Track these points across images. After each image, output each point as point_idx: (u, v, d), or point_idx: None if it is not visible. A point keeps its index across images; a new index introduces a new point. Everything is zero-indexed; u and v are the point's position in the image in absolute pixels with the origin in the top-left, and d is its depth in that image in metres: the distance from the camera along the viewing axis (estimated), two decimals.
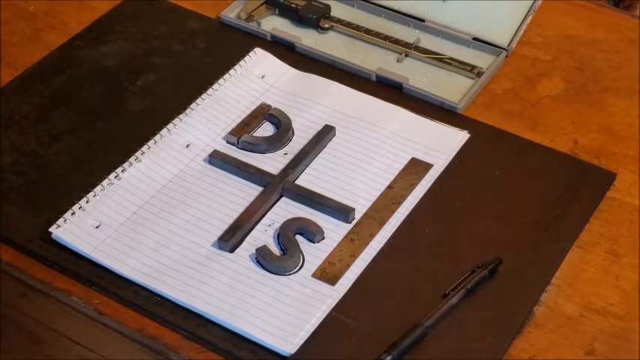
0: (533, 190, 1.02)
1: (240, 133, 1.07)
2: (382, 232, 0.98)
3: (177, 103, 1.10)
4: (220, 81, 1.12)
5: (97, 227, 0.98)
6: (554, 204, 1.01)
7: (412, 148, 1.06)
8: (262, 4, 1.23)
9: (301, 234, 0.98)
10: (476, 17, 1.19)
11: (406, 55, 1.17)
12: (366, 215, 0.99)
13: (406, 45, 1.18)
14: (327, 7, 1.22)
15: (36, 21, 1.23)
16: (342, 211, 0.99)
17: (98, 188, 1.01)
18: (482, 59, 1.17)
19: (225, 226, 0.98)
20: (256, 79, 1.13)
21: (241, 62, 1.14)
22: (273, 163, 1.05)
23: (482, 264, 0.94)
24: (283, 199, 1.01)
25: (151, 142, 1.05)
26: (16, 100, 1.12)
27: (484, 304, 0.92)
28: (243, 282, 0.93)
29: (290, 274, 0.94)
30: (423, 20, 1.20)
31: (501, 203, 1.01)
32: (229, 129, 1.08)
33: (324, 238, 0.97)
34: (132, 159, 1.03)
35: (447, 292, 0.92)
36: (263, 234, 0.98)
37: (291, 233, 0.97)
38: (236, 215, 0.99)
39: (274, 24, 1.22)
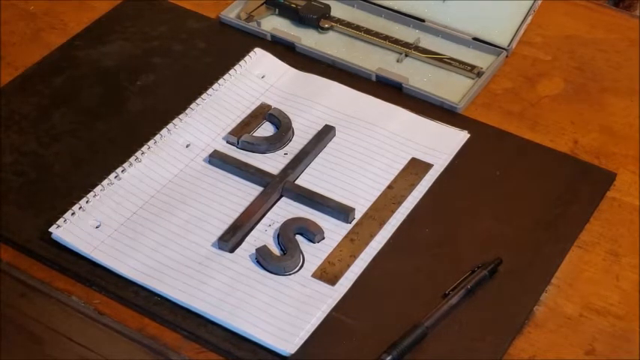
0: (533, 190, 1.02)
1: (240, 133, 1.07)
2: (382, 232, 0.98)
3: (177, 103, 1.10)
4: (220, 81, 1.12)
5: (97, 227, 0.98)
6: (554, 204, 1.01)
7: (412, 148, 1.06)
8: (262, 4, 1.23)
9: (301, 234, 0.98)
10: (476, 17, 1.19)
11: (406, 55, 1.17)
12: (366, 215, 0.99)
13: (406, 45, 1.18)
14: (327, 7, 1.22)
15: (36, 21, 1.23)
16: (342, 211, 0.99)
17: (98, 188, 1.01)
18: (482, 59, 1.17)
19: (225, 226, 0.98)
20: (256, 79, 1.13)
21: (241, 62, 1.14)
22: (273, 163, 1.05)
23: (482, 264, 0.94)
24: (283, 199, 1.01)
25: (151, 142, 1.05)
26: (16, 100, 1.12)
27: (484, 304, 0.92)
28: (243, 282, 0.93)
29: (290, 274, 0.94)
30: (423, 20, 1.20)
31: (501, 203, 1.01)
32: (229, 129, 1.08)
33: (324, 238, 0.97)
34: (132, 159, 1.03)
35: (447, 292, 0.92)
36: (263, 234, 0.98)
37: (291, 233, 0.97)
38: (236, 215, 0.99)
39: (274, 24, 1.22)
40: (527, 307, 0.92)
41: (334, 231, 0.98)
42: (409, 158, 1.05)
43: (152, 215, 0.99)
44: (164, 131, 1.06)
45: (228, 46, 1.19)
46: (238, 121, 1.09)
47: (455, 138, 1.07)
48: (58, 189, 1.02)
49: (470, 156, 1.06)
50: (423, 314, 0.91)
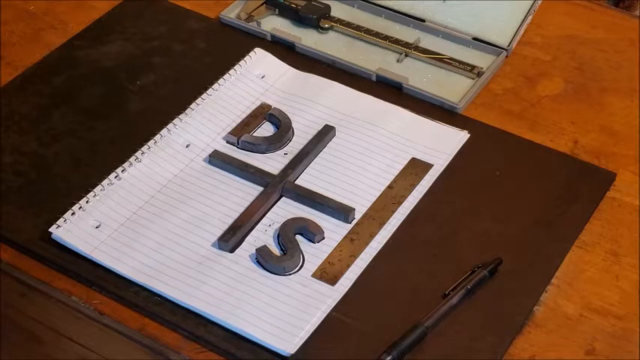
0: (533, 190, 1.02)
1: (240, 133, 1.07)
2: (382, 232, 0.98)
3: (177, 103, 1.10)
4: (220, 81, 1.12)
5: (97, 227, 0.98)
6: (554, 204, 1.01)
7: (412, 148, 1.06)
8: (262, 4, 1.23)
9: (301, 234, 0.98)
10: (476, 17, 1.19)
11: (406, 55, 1.17)
12: (366, 215, 0.99)
13: (406, 45, 1.18)
14: (327, 7, 1.22)
15: (36, 21, 1.23)
16: (342, 211, 0.99)
17: (98, 188, 1.01)
18: (482, 59, 1.17)
19: (225, 226, 0.98)
20: (256, 79, 1.13)
21: (241, 62, 1.14)
22: (273, 163, 1.05)
23: (482, 264, 0.94)
24: (283, 199, 1.01)
25: (151, 142, 1.05)
26: (16, 100, 1.12)
27: (484, 304, 0.92)
28: (243, 282, 0.93)
29: (290, 274, 0.94)
30: (423, 20, 1.20)
31: (501, 203, 1.01)
32: (229, 129, 1.08)
33: (324, 238, 0.97)
34: (132, 159, 1.03)
35: (447, 292, 0.92)
36: (263, 234, 0.98)
37: (291, 233, 0.97)
38: (236, 215, 0.99)
39: (274, 24, 1.22)
40: (527, 307, 0.92)
41: (334, 231, 0.98)
42: (409, 158, 1.05)
43: (152, 215, 0.99)
44: (164, 131, 1.06)
45: (228, 46, 1.19)
46: (238, 121, 1.09)
47: (455, 138, 1.07)
48: (58, 189, 1.02)
49: (470, 156, 1.06)
50: (423, 314, 0.91)
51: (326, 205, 1.00)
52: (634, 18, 1.24)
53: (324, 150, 1.06)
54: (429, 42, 1.19)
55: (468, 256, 0.96)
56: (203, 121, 1.08)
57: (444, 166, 1.04)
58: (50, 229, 0.97)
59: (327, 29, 1.21)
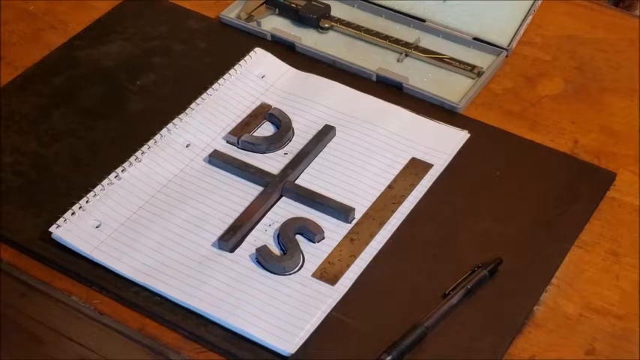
0: (533, 190, 1.02)
1: (240, 133, 1.07)
2: (382, 232, 0.98)
3: (177, 103, 1.10)
4: (220, 81, 1.12)
5: (97, 227, 0.98)
6: (554, 204, 1.01)
7: (412, 148, 1.06)
8: (262, 4, 1.23)
9: (301, 234, 0.98)
10: (476, 17, 1.19)
11: (406, 55, 1.17)
12: (366, 215, 0.99)
13: (406, 45, 1.18)
14: (327, 7, 1.22)
15: (36, 21, 1.23)
16: (342, 211, 0.99)
17: (98, 188, 1.01)
18: (482, 59, 1.17)
19: (225, 226, 0.98)
20: (256, 79, 1.13)
21: (241, 62, 1.14)
22: (273, 163, 1.05)
23: (482, 264, 0.94)
24: (283, 199, 1.01)
25: (151, 142, 1.05)
26: (16, 100, 1.12)
27: (484, 304, 0.92)
28: (243, 282, 0.93)
29: (290, 274, 0.94)
30: (423, 20, 1.20)
31: (501, 203, 1.01)
32: (229, 129, 1.08)
33: (324, 238, 0.97)
34: (132, 159, 1.03)
35: (447, 292, 0.92)
36: (263, 234, 0.98)
37: (291, 233, 0.97)
38: (236, 215, 0.99)
39: (274, 24, 1.22)
40: (527, 307, 0.92)
41: (334, 231, 0.98)
42: (409, 158, 1.05)
43: (152, 215, 0.99)
44: (164, 131, 1.06)
45: (228, 46, 1.19)
46: (238, 120, 1.09)
47: (455, 138, 1.07)
48: (58, 189, 1.02)
49: (470, 156, 1.06)
50: (423, 314, 0.91)
51: (326, 205, 1.00)
52: (634, 18, 1.24)
53: (324, 150, 1.06)
54: (429, 42, 1.19)
55: (468, 256, 0.96)
56: (203, 121, 1.08)
57: (444, 166, 1.04)
58: (50, 229, 0.97)
59: (327, 29, 1.21)
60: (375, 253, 0.96)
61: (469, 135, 1.07)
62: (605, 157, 1.06)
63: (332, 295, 0.93)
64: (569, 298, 0.94)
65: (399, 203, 1.00)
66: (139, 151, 1.04)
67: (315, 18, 1.20)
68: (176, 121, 1.07)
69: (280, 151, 1.06)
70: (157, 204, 1.00)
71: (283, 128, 1.08)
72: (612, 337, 0.91)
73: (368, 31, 1.19)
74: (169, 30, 1.21)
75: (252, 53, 1.15)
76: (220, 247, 0.96)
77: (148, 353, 0.91)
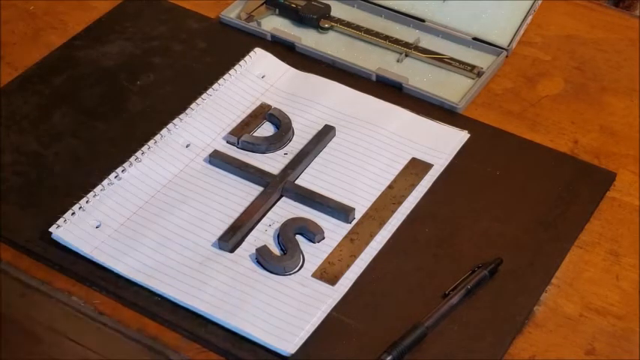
0: (533, 190, 1.02)
1: (240, 133, 1.07)
2: (382, 232, 0.98)
3: (177, 103, 1.10)
4: (220, 81, 1.12)
5: (97, 227, 0.98)
6: (554, 204, 1.01)
7: (412, 148, 1.06)
8: (262, 4, 1.23)
9: (301, 234, 0.98)
10: (476, 17, 1.19)
11: (406, 55, 1.17)
12: (366, 215, 0.99)
13: (406, 45, 1.18)
14: (327, 7, 1.22)
15: (36, 21, 1.23)
16: (342, 211, 0.99)
17: (98, 188, 1.01)
18: (482, 59, 1.17)
19: (225, 226, 0.98)
20: (256, 79, 1.13)
21: (241, 62, 1.14)
22: (273, 163, 1.05)
23: (482, 264, 0.94)
24: (283, 199, 1.01)
25: (151, 142, 1.05)
26: (16, 100, 1.12)
27: (484, 304, 0.92)
28: (243, 282, 0.93)
29: (290, 274, 0.94)
30: (423, 20, 1.20)
31: (501, 203, 1.01)
32: (229, 129, 1.08)
33: (324, 238, 0.97)
34: (132, 159, 1.03)
35: (447, 292, 0.93)
36: (263, 234, 0.98)
37: (291, 233, 0.97)
38: (236, 215, 0.99)
39: (274, 24, 1.22)
40: (527, 307, 0.92)
41: (334, 231, 0.98)
42: (409, 158, 1.05)
43: (152, 215, 0.99)
44: (164, 131, 1.06)
45: (228, 46, 1.19)
46: (238, 121, 1.09)
47: (455, 138, 1.07)
48: (58, 189, 1.02)
49: (470, 156, 1.06)
50: (423, 314, 0.91)
51: (326, 205, 1.00)
52: (634, 18, 1.24)
53: (324, 150, 1.06)
54: (429, 42, 1.19)
55: (468, 256, 0.96)
56: (203, 121, 1.08)
57: (444, 166, 1.04)
58: (50, 229, 0.97)
59: (327, 29, 1.21)
60: (375, 253, 0.96)
61: (469, 135, 1.07)
62: (605, 157, 1.06)
63: (332, 295, 0.93)
64: (569, 298, 0.94)
65: (399, 203, 1.00)
66: (139, 151, 1.04)
67: (315, 18, 1.20)
68: (176, 121, 1.08)
69: (280, 151, 1.06)
70: (157, 204, 1.00)
71: (283, 128, 1.08)
72: (612, 337, 0.91)
73: (368, 31, 1.19)
74: (169, 30, 1.21)
75: (252, 53, 1.15)
76: (220, 247, 0.96)
77: (148, 353, 0.91)
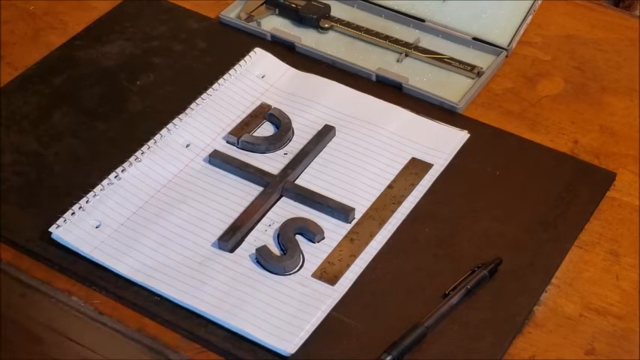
0: (533, 190, 1.02)
1: (240, 133, 1.07)
2: (382, 232, 0.98)
3: (177, 103, 1.10)
4: (220, 81, 1.12)
5: (97, 227, 0.98)
6: (554, 204, 1.01)
7: (412, 148, 1.06)
8: (262, 4, 1.23)
9: (301, 234, 0.98)
10: (476, 17, 1.19)
11: (406, 55, 1.17)
12: (366, 215, 0.99)
13: (406, 45, 1.18)
14: (327, 7, 1.22)
15: (36, 21, 1.23)
16: (342, 211, 0.99)
17: (98, 188, 1.01)
18: (482, 59, 1.17)
19: (225, 226, 0.98)
20: (256, 79, 1.13)
21: (241, 62, 1.14)
22: (273, 163, 1.05)
23: (482, 264, 0.94)
24: (283, 199, 1.01)
25: (151, 142, 1.05)
26: (16, 100, 1.12)
27: (484, 304, 0.92)
28: (243, 282, 0.93)
29: (290, 274, 0.94)
30: (423, 20, 1.20)
31: (501, 203, 1.01)
32: (229, 129, 1.08)
33: (324, 238, 0.97)
34: (132, 159, 1.03)
35: (447, 292, 0.93)
36: (263, 234, 0.98)
37: (291, 233, 0.97)
38: (236, 215, 0.99)
39: (274, 24, 1.22)
40: (527, 307, 0.92)
41: (334, 231, 0.98)
42: (409, 158, 1.05)
43: (152, 215, 0.99)
44: (164, 131, 1.06)
45: (228, 46, 1.19)
46: (238, 121, 1.09)
47: (455, 138, 1.07)
48: (58, 189, 1.02)
49: (470, 156, 1.06)
50: (423, 314, 0.91)
51: (326, 205, 1.00)
52: (634, 18, 1.24)
53: (324, 150, 1.06)
54: (428, 42, 1.19)
55: (468, 256, 0.96)
56: (203, 121, 1.08)
57: (444, 166, 1.04)
58: (50, 229, 0.97)
59: (327, 29, 1.21)
60: (375, 253, 0.96)
61: (469, 135, 1.07)
62: (605, 157, 1.06)
63: (332, 295, 0.93)
64: (569, 298, 0.94)
65: (399, 203, 1.00)
66: (139, 151, 1.04)
67: (315, 18, 1.20)
68: (176, 121, 1.07)
69: (280, 151, 1.06)
70: (157, 204, 1.00)
71: (283, 128, 1.08)
72: (612, 337, 0.91)
73: (368, 31, 1.19)
74: (169, 30, 1.21)
75: (252, 53, 1.15)
76: (220, 247, 0.96)
77: (148, 353, 0.91)
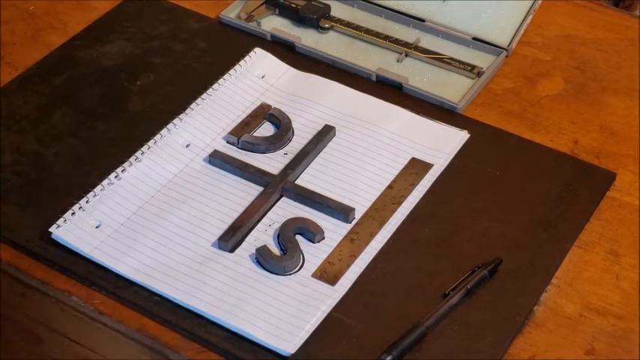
0: (533, 190, 1.02)
1: (240, 133, 1.07)
2: (382, 232, 0.98)
3: (177, 103, 1.10)
4: (220, 81, 1.12)
5: (97, 227, 0.98)
6: (554, 204, 1.01)
7: (412, 148, 1.06)
8: (262, 4, 1.23)
9: (301, 234, 0.98)
10: (476, 17, 1.19)
11: (406, 55, 1.17)
12: (366, 215, 0.99)
13: (406, 45, 1.18)
14: (327, 7, 1.22)
15: (36, 21, 1.23)
16: (342, 211, 0.99)
17: (98, 188, 1.01)
18: (482, 59, 1.17)
19: (225, 226, 0.98)
20: (256, 79, 1.13)
21: (241, 62, 1.14)
22: (273, 163, 1.05)
23: (482, 264, 0.94)
24: (283, 199, 1.01)
25: (151, 142, 1.05)
26: (16, 100, 1.12)
27: (484, 304, 0.92)
28: (243, 282, 0.93)
29: (290, 274, 0.94)
30: (423, 20, 1.20)
31: (501, 203, 1.01)
32: (229, 129, 1.08)
33: (324, 238, 0.97)
34: (132, 159, 1.03)
35: (447, 292, 0.93)
36: (263, 234, 0.98)
37: (291, 233, 0.97)
38: (236, 215, 0.99)
39: (274, 24, 1.22)
40: (527, 307, 0.92)
41: (334, 231, 0.98)
42: (409, 158, 1.05)
43: (152, 215, 0.99)
44: (164, 131, 1.06)
45: (228, 46, 1.19)
46: (238, 121, 1.09)
47: (455, 138, 1.07)
48: (58, 189, 1.02)
49: (470, 156, 1.06)
50: (423, 314, 0.91)
51: (326, 205, 1.00)
52: (634, 18, 1.24)
53: (324, 150, 1.06)
54: (428, 42, 1.19)
55: (468, 256, 0.96)
56: (203, 121, 1.08)
57: (444, 166, 1.04)
58: (50, 229, 0.97)
59: (327, 29, 1.21)
60: (375, 253, 0.96)
61: (469, 135, 1.07)
62: (605, 157, 1.06)
63: (332, 295, 0.93)
64: (569, 298, 0.94)
65: (399, 203, 1.00)
66: (139, 151, 1.04)
67: (315, 18, 1.20)
68: (176, 121, 1.07)
69: (280, 151, 1.06)
70: (157, 204, 1.00)
71: (283, 128, 1.08)
72: (612, 337, 0.91)
73: (368, 31, 1.19)
74: (169, 30, 1.21)
75: (252, 53, 1.15)
76: (220, 247, 0.96)
77: (148, 353, 0.91)
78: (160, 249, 0.96)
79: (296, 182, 1.03)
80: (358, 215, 0.99)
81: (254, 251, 0.96)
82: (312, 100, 1.11)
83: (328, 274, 0.94)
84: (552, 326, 0.91)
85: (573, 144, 1.07)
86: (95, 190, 1.00)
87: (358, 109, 1.10)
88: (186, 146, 1.06)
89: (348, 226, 0.99)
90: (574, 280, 0.95)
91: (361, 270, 0.95)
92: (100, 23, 1.22)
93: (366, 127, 1.08)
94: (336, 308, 0.92)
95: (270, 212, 1.00)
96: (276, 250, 0.96)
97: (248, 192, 1.02)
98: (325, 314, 0.91)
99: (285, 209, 1.00)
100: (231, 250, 0.96)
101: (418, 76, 1.15)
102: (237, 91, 1.12)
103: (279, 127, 1.08)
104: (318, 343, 0.89)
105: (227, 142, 1.07)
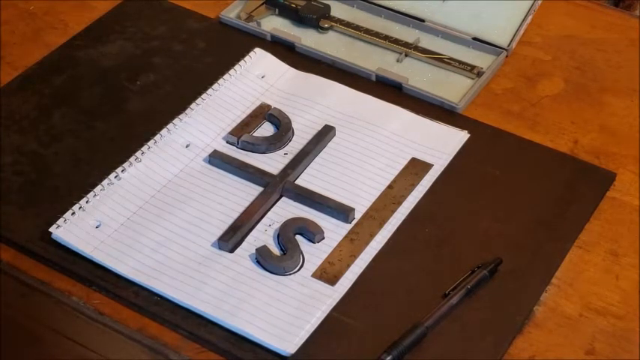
0: (533, 190, 1.02)
1: (240, 133, 1.07)
2: (382, 232, 0.98)
3: (177, 103, 1.10)
4: (220, 81, 1.12)
5: (97, 227, 0.98)
6: (554, 204, 1.01)
7: (412, 148, 1.06)
8: (262, 4, 1.23)
9: (301, 234, 0.98)
10: (476, 17, 1.19)
11: (406, 55, 1.17)
12: (366, 215, 0.99)
13: (406, 45, 1.18)
14: (327, 7, 1.22)
15: (36, 21, 1.23)
16: (341, 211, 0.99)
17: (98, 188, 1.01)
18: (482, 59, 1.17)
19: (225, 226, 0.98)
20: (256, 79, 1.13)
21: (241, 62, 1.14)
22: (273, 163, 1.05)
23: (482, 264, 0.94)
24: (283, 199, 1.01)
25: (150, 142, 1.05)
26: (16, 100, 1.12)
27: (484, 304, 0.92)
28: (243, 282, 0.93)
29: (290, 274, 0.94)
30: (423, 20, 1.20)
31: (501, 203, 1.01)
32: (229, 129, 1.08)
33: (324, 238, 0.97)
34: (132, 159, 1.03)
35: (447, 292, 0.93)
36: (263, 234, 0.98)
37: (291, 233, 0.97)
38: (236, 215, 0.99)
39: (274, 24, 1.22)
40: (527, 307, 0.92)
41: (334, 231, 0.98)
42: (409, 158, 1.05)
43: (152, 215, 0.99)
44: (164, 131, 1.06)
45: (228, 46, 1.19)
46: (238, 121, 1.09)
47: (455, 138, 1.07)
48: (58, 189, 1.02)
49: (470, 156, 1.06)
50: (423, 314, 0.91)
51: (326, 205, 1.00)
52: (634, 18, 1.24)
53: (324, 150, 1.06)
54: (428, 42, 1.19)
55: (468, 256, 0.96)
56: (203, 121, 1.08)
57: (444, 166, 1.04)
58: (50, 229, 0.97)
59: (327, 29, 1.21)
60: (375, 253, 0.96)
61: (469, 135, 1.07)
62: (605, 157, 1.06)
63: (332, 295, 0.93)
64: (569, 298, 0.94)
65: (399, 203, 1.00)
66: (139, 151, 1.04)
67: (315, 18, 1.20)
68: (176, 121, 1.08)
69: (280, 151, 1.06)
70: (157, 204, 1.00)
71: (283, 128, 1.08)
72: (612, 337, 0.91)
73: (368, 31, 1.19)
74: (169, 30, 1.21)
75: (252, 53, 1.15)
76: (220, 247, 0.96)
77: (148, 353, 0.91)
78: (160, 249, 0.96)
79: (296, 182, 1.03)
80: (358, 215, 0.99)
81: (254, 251, 0.96)
82: (312, 100, 1.11)
83: (328, 274, 0.94)
84: (552, 326, 0.91)
85: (573, 144, 1.07)
86: (95, 190, 1.00)
87: (358, 109, 1.10)
88: (186, 146, 1.06)
89: (348, 226, 0.99)
90: (574, 280, 0.95)
91: (361, 270, 0.95)
92: (100, 23, 1.22)
93: (366, 127, 1.08)
94: (336, 308, 0.92)
95: (270, 212, 1.00)
96: (276, 250, 0.96)
97: (248, 192, 1.02)
98: (325, 314, 0.91)
99: (285, 209, 1.00)
100: (231, 250, 0.96)
101: (418, 76, 1.15)
102: (237, 91, 1.12)
103: (279, 127, 1.08)
104: (318, 343, 0.90)
105: (227, 142, 1.07)
